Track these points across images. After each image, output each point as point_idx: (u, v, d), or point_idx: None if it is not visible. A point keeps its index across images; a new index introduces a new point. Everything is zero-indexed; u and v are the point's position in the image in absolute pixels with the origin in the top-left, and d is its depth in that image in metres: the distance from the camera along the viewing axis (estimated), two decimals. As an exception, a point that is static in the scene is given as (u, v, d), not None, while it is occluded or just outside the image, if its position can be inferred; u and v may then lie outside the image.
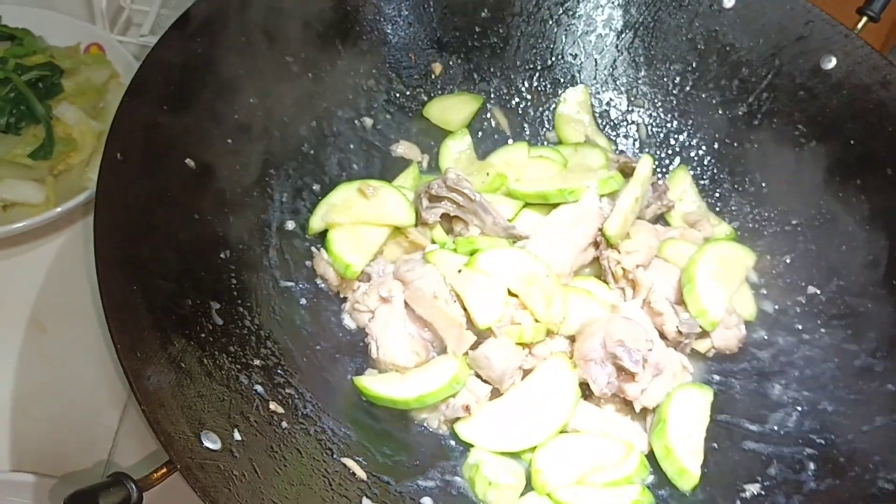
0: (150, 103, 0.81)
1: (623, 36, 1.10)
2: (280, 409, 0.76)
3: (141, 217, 0.77)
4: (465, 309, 0.89)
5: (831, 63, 1.01)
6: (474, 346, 0.88)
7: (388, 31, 1.05)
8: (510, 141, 1.13)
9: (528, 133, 1.13)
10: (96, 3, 1.29)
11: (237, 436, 0.69)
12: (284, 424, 0.75)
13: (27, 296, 1.05)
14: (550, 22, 1.11)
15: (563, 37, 1.12)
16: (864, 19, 1.04)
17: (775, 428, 0.89)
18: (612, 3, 1.09)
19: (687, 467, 0.84)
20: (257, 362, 0.79)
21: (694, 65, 1.08)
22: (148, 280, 0.73)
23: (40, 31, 1.26)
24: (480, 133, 1.12)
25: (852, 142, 0.99)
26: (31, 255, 1.09)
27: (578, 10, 1.10)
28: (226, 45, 0.90)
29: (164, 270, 0.76)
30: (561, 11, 1.10)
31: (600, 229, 0.96)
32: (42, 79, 1.16)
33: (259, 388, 0.77)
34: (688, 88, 1.09)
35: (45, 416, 0.95)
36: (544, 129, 1.14)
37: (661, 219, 1.07)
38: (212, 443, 0.66)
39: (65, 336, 1.02)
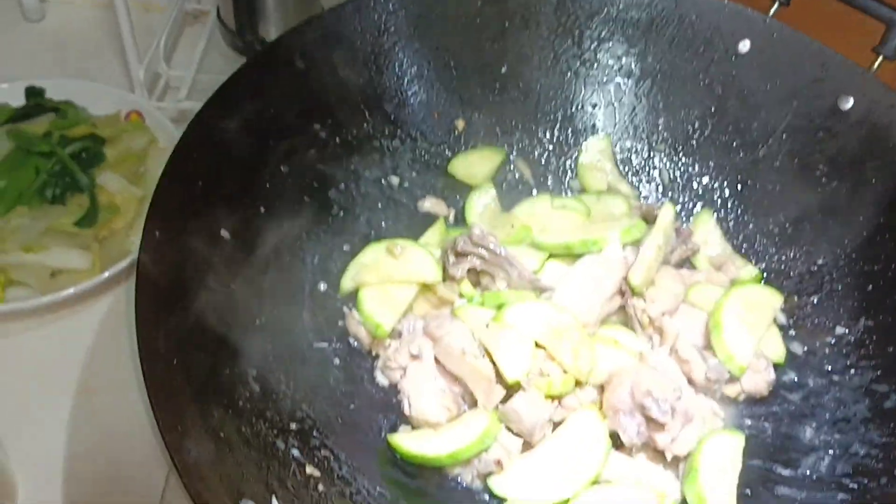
0: (185, 182, 0.85)
1: (641, 84, 1.12)
2: (316, 473, 0.79)
3: (179, 292, 0.80)
4: (493, 363, 0.92)
5: (849, 103, 1.01)
6: (504, 400, 0.90)
7: (411, 93, 1.09)
8: (534, 191, 1.15)
9: (551, 182, 1.16)
10: (134, 72, 1.35)
11: (275, 502, 0.72)
12: (321, 488, 0.78)
13: (76, 358, 1.09)
14: (569, 74, 1.13)
15: (582, 87, 1.14)
16: (880, 58, 1.05)
17: (808, 472, 0.89)
18: (629, 52, 1.12)
19: (720, 515, 0.85)
20: (293, 426, 0.83)
21: (713, 109, 1.10)
22: (187, 353, 0.77)
23: (83, 101, 1.33)
24: (505, 185, 1.15)
25: (873, 181, 0.99)
26: (79, 318, 1.13)
27: (596, 60, 1.13)
28: (255, 120, 0.94)
29: (203, 342, 0.80)
30: (578, 63, 1.13)
31: (625, 278, 0.98)
32: (85, 149, 1.23)
33: (295, 451, 0.80)
34: (707, 132, 1.11)
35: (94, 475, 0.99)
36: (567, 178, 1.16)
37: (686, 262, 1.08)
38: (251, 511, 0.69)
39: (113, 397, 1.06)
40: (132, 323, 0.74)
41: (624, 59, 1.12)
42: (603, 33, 1.11)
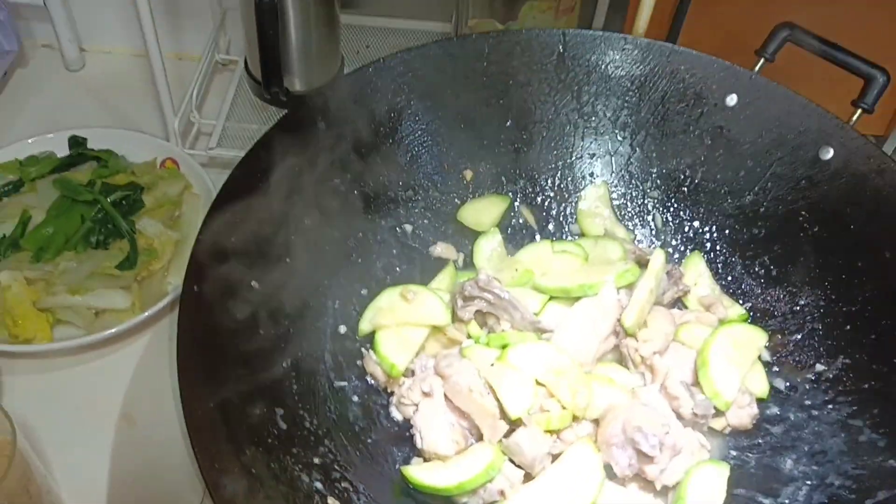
0: (219, 239, 0.95)
1: (636, 135, 1.21)
2: (337, 503, 0.88)
3: (215, 339, 0.90)
4: (498, 400, 1.00)
5: (829, 154, 1.09)
6: (507, 434, 0.99)
7: (423, 147, 1.18)
8: (537, 236, 1.24)
9: (553, 227, 1.24)
10: (169, 120, 1.45)
11: (300, 532, 0.82)
12: (341, 517, 0.87)
13: (118, 392, 1.19)
14: (569, 126, 1.22)
15: (581, 138, 1.23)
16: (859, 111, 1.13)
17: (786, 502, 0.96)
18: (625, 106, 1.20)
19: (704, 541, 0.93)
20: (316, 460, 0.92)
21: (702, 158, 1.18)
22: (223, 396, 0.86)
23: (122, 149, 1.43)
24: (510, 230, 1.24)
25: (852, 227, 1.07)
26: (120, 355, 1.23)
27: (594, 114, 1.21)
28: (280, 179, 1.03)
29: (237, 385, 0.89)
30: (577, 116, 1.21)
31: (619, 320, 1.06)
32: (125, 198, 1.33)
33: (318, 484, 0.89)
34: (697, 180, 1.19)
35: (135, 499, 1.09)
36: (568, 223, 1.25)
37: (678, 302, 1.17)
38: (279, 542, 0.79)
39: (152, 427, 1.15)
40: (173, 368, 0.83)
41: (620, 113, 1.21)
42: (600, 89, 1.20)
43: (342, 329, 1.08)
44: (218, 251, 0.95)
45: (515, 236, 1.24)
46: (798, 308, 1.10)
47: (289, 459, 0.89)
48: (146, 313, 1.21)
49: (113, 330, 1.19)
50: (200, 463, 0.78)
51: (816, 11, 1.27)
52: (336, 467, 0.93)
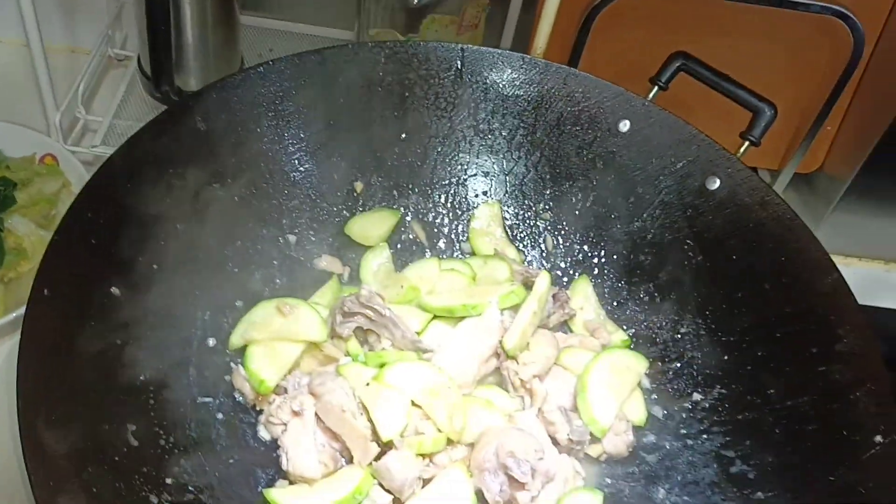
0: (79, 240, 0.89)
1: (530, 156, 1.20)
2: (187, 527, 0.83)
3: (64, 348, 0.84)
4: (371, 421, 0.97)
5: (715, 184, 1.10)
6: (379, 457, 0.95)
7: (312, 155, 1.14)
8: (427, 252, 1.21)
9: (444, 245, 1.22)
10: (51, 115, 1.38)
11: (140, 558, 0.76)
12: (190, 542, 0.82)
13: (-27, 398, 1.12)
14: (464, 143, 1.20)
15: (476, 156, 1.21)
16: (746, 143, 1.14)
17: (657, 532, 0.96)
18: (521, 126, 1.19)
19: (572, 571, 0.91)
20: (169, 480, 0.86)
21: (594, 182, 1.17)
22: (67, 409, 0.80)
23: (-1, 142, 1.35)
24: (399, 245, 1.21)
25: (734, 257, 1.08)
26: (-21, 360, 1.15)
27: (490, 132, 1.20)
28: (153, 178, 0.98)
29: (85, 399, 0.83)
30: (473, 134, 1.20)
31: (500, 341, 1.04)
32: (-5, 193, 1.25)
33: (167, 506, 0.84)
34: (589, 204, 1.18)
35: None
36: (460, 241, 1.23)
37: (563, 326, 1.15)
38: (114, 568, 0.73)
39: (8, 438, 1.08)
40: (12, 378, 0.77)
41: (516, 132, 1.19)
42: (496, 107, 1.18)
43: (211, 342, 1.03)
44: (75, 254, 0.89)
45: (405, 252, 1.21)
46: (679, 336, 1.11)
47: (136, 479, 0.83)
48: (11, 315, 1.14)
49: (-28, 332, 1.11)
50: (33, 480, 0.72)
51: (713, 43, 1.29)
52: (190, 489, 0.88)
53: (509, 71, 1.17)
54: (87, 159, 1.38)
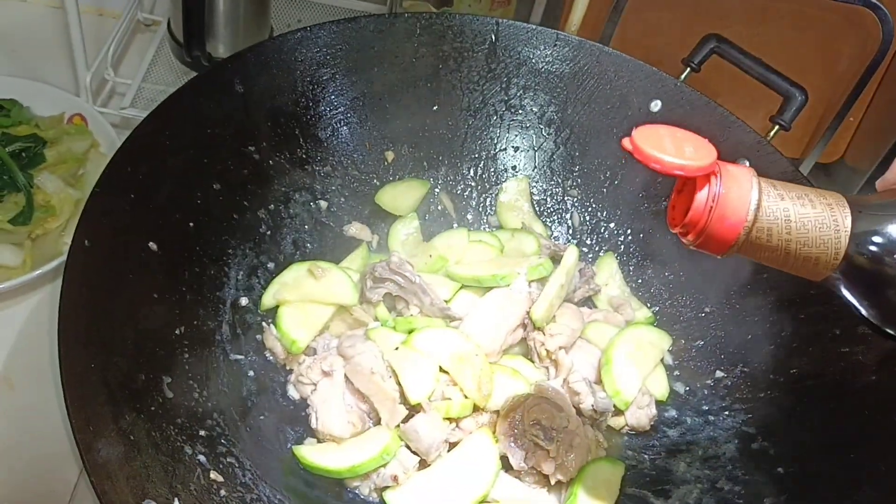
0: (119, 194, 0.90)
1: (560, 132, 1.21)
2: (220, 478, 0.84)
3: (103, 298, 0.85)
4: (399, 384, 0.98)
5: (745, 166, 1.10)
6: (406, 420, 0.97)
7: (345, 123, 1.15)
8: (455, 224, 1.22)
9: (471, 217, 1.23)
10: (81, 75, 1.38)
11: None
12: (223, 492, 0.83)
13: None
14: (495, 117, 1.21)
15: (507, 130, 1.22)
16: (776, 127, 1.15)
17: (677, 503, 0.97)
18: (552, 102, 1.20)
19: (593, 537, 0.93)
20: (202, 433, 0.87)
21: (623, 161, 1.18)
22: (106, 357, 0.81)
23: (28, 101, 1.35)
24: (428, 216, 1.22)
25: (760, 239, 1.09)
26: (5, 314, 1.16)
27: (521, 107, 1.20)
28: (191, 137, 0.99)
29: (122, 348, 0.84)
30: (505, 108, 1.20)
31: (528, 312, 1.05)
32: (25, 149, 1.26)
33: (202, 457, 0.85)
34: (617, 182, 1.19)
35: (7, 467, 1.02)
36: (487, 214, 1.24)
37: (588, 301, 1.17)
38: (152, 511, 0.74)
39: (31, 393, 1.09)
40: (55, 325, 0.78)
41: (546, 108, 1.20)
42: (529, 82, 1.19)
43: (244, 301, 1.04)
44: (115, 207, 0.90)
45: (433, 223, 1.22)
46: (703, 315, 1.12)
47: (172, 429, 0.84)
48: (37, 272, 1.14)
49: (1, 286, 1.12)
50: (73, 423, 0.74)
51: (742, 30, 1.30)
52: (222, 441, 0.89)
53: (543, 47, 1.18)
54: (115, 121, 1.38)
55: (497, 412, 1.00)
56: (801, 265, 0.60)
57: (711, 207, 0.60)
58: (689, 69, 1.18)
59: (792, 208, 0.59)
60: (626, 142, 0.62)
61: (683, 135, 0.62)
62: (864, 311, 0.63)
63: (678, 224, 0.62)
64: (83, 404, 0.76)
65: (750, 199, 0.59)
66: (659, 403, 1.06)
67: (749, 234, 0.59)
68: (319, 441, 0.97)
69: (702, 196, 0.60)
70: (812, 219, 0.59)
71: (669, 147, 0.60)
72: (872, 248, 0.59)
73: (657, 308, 1.16)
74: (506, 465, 0.97)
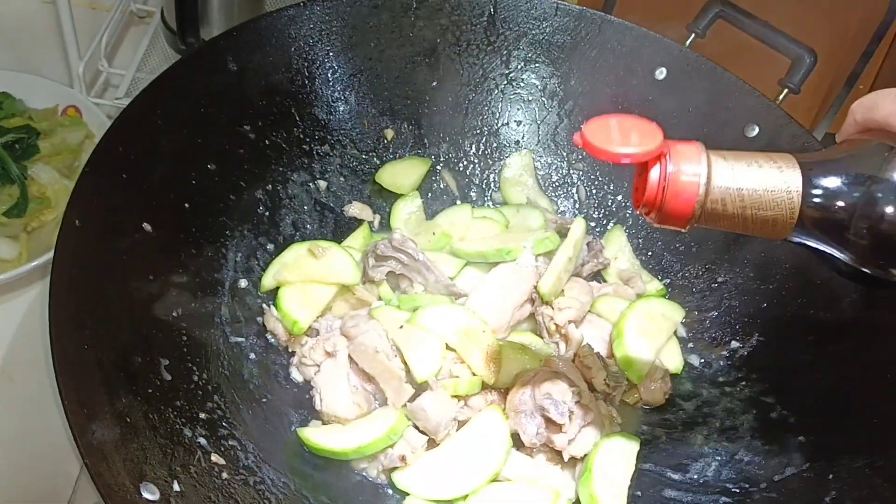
0: (110, 173, 0.87)
1: (564, 104, 1.18)
2: (221, 461, 0.81)
3: (96, 279, 0.82)
4: (405, 363, 0.95)
5: (754, 131, 1.08)
6: (413, 399, 0.94)
7: (343, 101, 1.12)
8: (458, 201, 1.19)
9: (475, 194, 1.20)
10: (74, 67, 1.36)
11: (177, 487, 0.74)
12: (225, 475, 0.80)
13: (-2, 346, 1.10)
14: (496, 91, 1.18)
15: (508, 104, 1.19)
16: (785, 91, 1.12)
17: (695, 477, 0.94)
18: (554, 74, 1.17)
19: (609, 514, 0.89)
20: (202, 415, 0.85)
21: (629, 132, 1.15)
22: (99, 338, 0.79)
23: (21, 93, 1.33)
24: (430, 194, 1.19)
25: (773, 205, 1.05)
26: (2, 308, 1.14)
27: (522, 80, 1.18)
28: (184, 116, 0.97)
29: (117, 329, 0.82)
30: (506, 82, 1.18)
31: (535, 287, 1.02)
32: (19, 140, 1.23)
33: (202, 440, 0.82)
34: (623, 153, 1.16)
35: (8, 462, 1.00)
36: (490, 191, 1.21)
37: (597, 275, 1.13)
38: (151, 494, 0.71)
39: (31, 386, 1.06)
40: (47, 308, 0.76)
41: (549, 80, 1.17)
42: (530, 55, 1.17)
43: (243, 283, 1.01)
44: (106, 186, 0.87)
45: (435, 201, 1.19)
46: (716, 285, 1.09)
47: (170, 412, 0.81)
48: (33, 263, 1.12)
49: (-4, 278, 1.10)
50: (66, 404, 0.71)
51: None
52: (224, 424, 0.86)
53: (543, 17, 1.15)
54: (110, 112, 1.36)
55: (506, 389, 0.97)
56: (760, 228, 0.63)
57: (664, 186, 0.62)
58: (693, 35, 1.16)
59: (742, 176, 0.61)
60: (576, 137, 0.65)
61: (631, 122, 0.63)
62: (838, 260, 0.64)
63: (640, 204, 0.65)
64: (77, 385, 0.73)
65: (700, 174, 0.61)
66: (673, 377, 1.03)
67: (704, 207, 0.62)
68: (324, 423, 0.94)
69: (654, 176, 0.63)
70: (763, 184, 0.61)
71: (616, 136, 0.62)
72: (819, 200, 0.61)
73: (668, 280, 1.13)
74: (517, 443, 0.94)
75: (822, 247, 0.64)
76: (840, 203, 0.60)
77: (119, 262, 0.86)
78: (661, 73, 1.13)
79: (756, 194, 0.61)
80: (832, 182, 0.61)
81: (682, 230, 0.65)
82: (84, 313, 0.79)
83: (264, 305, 1.01)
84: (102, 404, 0.75)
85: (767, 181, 0.61)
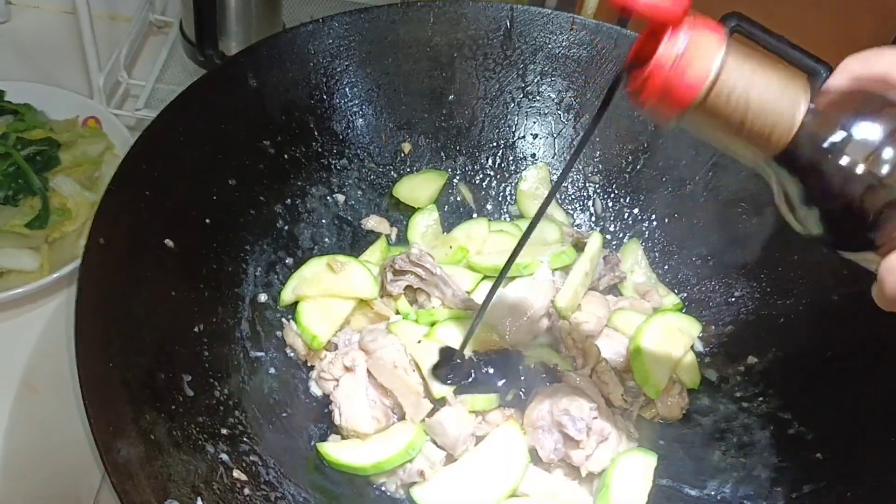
0: (134, 191, 0.89)
1: (580, 118, 1.18)
2: (243, 477, 0.82)
3: (120, 297, 0.83)
4: (423, 378, 0.96)
5: (771, 145, 1.07)
6: (431, 414, 0.95)
7: (360, 115, 1.13)
8: (475, 214, 1.20)
9: (491, 207, 1.21)
10: (94, 78, 1.38)
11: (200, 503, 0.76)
12: (247, 491, 0.81)
13: (20, 358, 1.11)
14: (512, 104, 1.19)
15: (525, 118, 1.19)
16: (802, 105, 1.12)
17: (712, 493, 0.94)
18: (570, 88, 1.17)
19: (627, 530, 0.90)
20: (224, 431, 0.86)
21: (645, 146, 1.16)
22: (124, 356, 0.80)
23: (42, 105, 1.35)
24: (447, 207, 1.20)
25: (791, 220, 1.06)
26: (25, 319, 1.15)
27: (538, 93, 1.18)
28: (206, 133, 0.98)
29: (141, 346, 0.83)
30: (522, 95, 1.18)
31: (552, 301, 1.03)
32: (40, 153, 1.25)
33: (224, 456, 0.83)
34: (639, 167, 1.17)
35: (31, 473, 1.01)
36: (507, 204, 1.21)
37: (613, 289, 1.14)
38: (175, 511, 0.73)
39: (54, 397, 1.08)
40: (72, 324, 0.77)
41: (565, 94, 1.18)
42: (546, 68, 1.17)
43: (262, 297, 1.02)
44: (130, 204, 0.89)
45: (452, 214, 1.20)
46: (733, 299, 1.09)
47: (193, 428, 0.83)
48: (54, 276, 1.14)
49: (17, 290, 1.11)
50: (93, 423, 0.72)
51: (762, 9, 1.26)
52: (245, 440, 0.87)
53: (559, 31, 1.16)
54: (130, 123, 1.38)
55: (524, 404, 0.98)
56: (756, 134, 0.58)
57: (678, 55, 0.56)
58: (710, 49, 1.15)
59: (757, 79, 0.57)
60: None
61: None
62: (800, 208, 0.63)
63: (641, 76, 0.59)
64: (103, 404, 0.74)
65: (717, 55, 0.56)
66: (690, 391, 1.03)
67: (708, 95, 0.57)
68: (343, 437, 0.95)
69: (669, 45, 0.57)
70: (774, 90, 0.57)
71: None
72: (819, 129, 0.58)
73: (685, 294, 1.13)
74: (535, 458, 0.94)
75: (794, 185, 0.61)
76: (836, 140, 0.57)
77: (143, 280, 0.87)
78: (677, 87, 1.13)
79: (764, 97, 0.57)
80: (837, 114, 0.58)
81: (670, 120, 0.60)
82: (109, 331, 0.80)
83: (283, 320, 1.02)
84: (128, 423, 0.76)
85: (780, 89, 0.57)
